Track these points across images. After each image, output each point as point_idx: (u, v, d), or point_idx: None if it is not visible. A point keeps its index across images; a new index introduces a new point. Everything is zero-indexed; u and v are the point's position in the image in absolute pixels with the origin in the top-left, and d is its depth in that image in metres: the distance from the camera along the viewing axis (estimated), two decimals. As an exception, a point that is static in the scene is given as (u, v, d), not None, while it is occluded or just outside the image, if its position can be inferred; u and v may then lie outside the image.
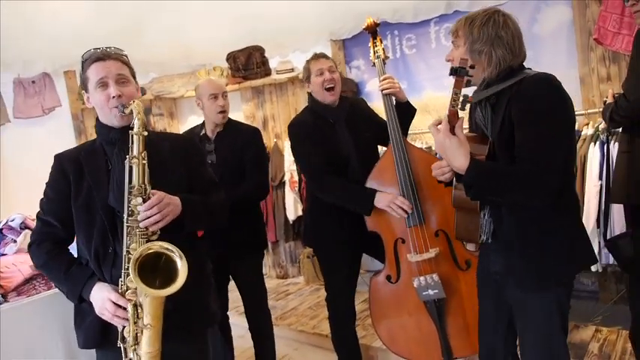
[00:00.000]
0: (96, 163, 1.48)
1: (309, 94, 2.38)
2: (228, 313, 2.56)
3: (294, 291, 4.10)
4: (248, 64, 4.29)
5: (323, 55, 2.35)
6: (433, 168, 1.58)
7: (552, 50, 3.12)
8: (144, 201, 1.36)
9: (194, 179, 1.57)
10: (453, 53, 1.49)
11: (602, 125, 2.65)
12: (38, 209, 1.53)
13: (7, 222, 1.96)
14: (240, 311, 2.53)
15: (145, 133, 1.38)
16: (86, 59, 1.47)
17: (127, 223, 1.36)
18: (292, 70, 4.33)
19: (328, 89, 2.28)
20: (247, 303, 2.49)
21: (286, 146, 4.41)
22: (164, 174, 1.47)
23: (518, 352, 1.62)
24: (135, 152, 1.37)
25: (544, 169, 1.31)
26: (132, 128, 1.38)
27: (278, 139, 4.46)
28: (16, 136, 4.15)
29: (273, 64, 4.46)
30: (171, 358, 1.47)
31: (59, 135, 4.34)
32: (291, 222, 4.33)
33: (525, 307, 1.47)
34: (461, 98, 1.32)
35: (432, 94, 3.82)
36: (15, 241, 1.87)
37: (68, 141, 4.41)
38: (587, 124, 2.81)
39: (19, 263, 1.79)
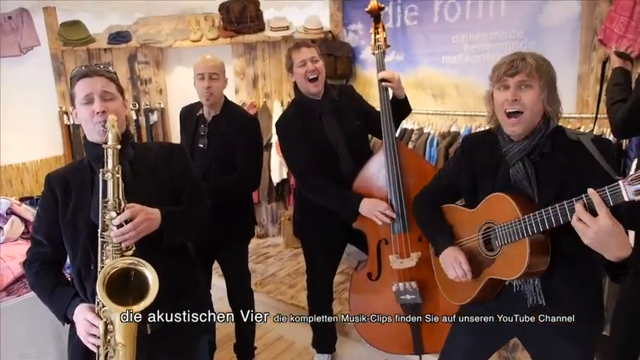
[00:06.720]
0: (82, 180, 1.47)
1: (295, 85, 2.33)
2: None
3: (274, 254, 4.18)
4: (241, 17, 4.07)
5: (305, 44, 2.27)
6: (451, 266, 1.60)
7: (555, 43, 3.04)
8: (117, 215, 1.34)
9: (178, 188, 1.55)
10: (522, 94, 1.38)
11: (596, 130, 2.66)
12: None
13: (-9, 208, 1.89)
14: (220, 273, 2.58)
15: (119, 147, 1.36)
16: (73, 76, 1.46)
17: (101, 238, 1.35)
18: (287, 28, 4.14)
19: (312, 80, 2.23)
20: (230, 285, 2.54)
21: (275, 107, 4.32)
22: (149, 186, 1.46)
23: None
24: (109, 166, 1.35)
25: None
26: (106, 142, 1.36)
27: (267, 99, 4.36)
28: (-10, 76, 3.93)
29: (267, 16, 4.25)
30: None
31: (38, 77, 4.12)
32: (275, 184, 4.34)
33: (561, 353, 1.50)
34: None
35: (429, 70, 3.72)
36: (1, 229, 1.83)
37: (47, 84, 4.21)
38: (579, 128, 2.82)
39: (8, 258, 1.75)
